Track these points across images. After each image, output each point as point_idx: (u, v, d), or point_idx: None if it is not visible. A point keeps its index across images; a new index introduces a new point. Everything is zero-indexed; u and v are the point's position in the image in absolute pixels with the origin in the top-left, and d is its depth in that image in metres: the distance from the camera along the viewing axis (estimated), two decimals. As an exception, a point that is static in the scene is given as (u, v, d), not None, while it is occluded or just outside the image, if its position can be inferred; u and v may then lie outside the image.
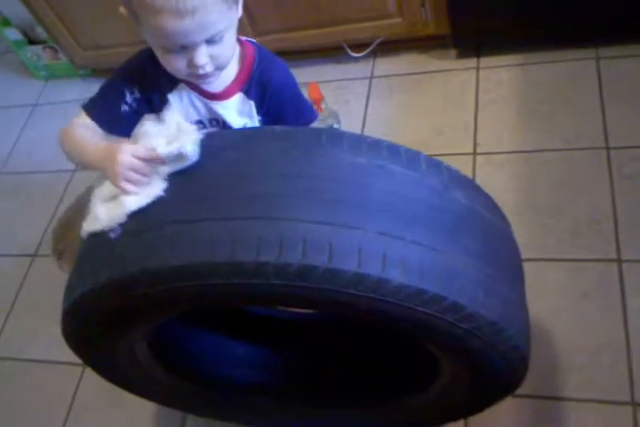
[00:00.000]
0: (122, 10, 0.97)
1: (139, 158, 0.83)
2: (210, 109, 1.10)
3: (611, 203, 1.52)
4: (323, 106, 1.87)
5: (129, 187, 0.83)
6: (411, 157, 0.85)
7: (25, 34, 2.31)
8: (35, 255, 1.90)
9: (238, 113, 1.10)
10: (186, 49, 0.95)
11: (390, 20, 1.93)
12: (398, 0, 1.87)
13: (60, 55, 2.31)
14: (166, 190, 0.82)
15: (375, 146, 0.84)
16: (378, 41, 2.02)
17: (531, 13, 1.80)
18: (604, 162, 1.60)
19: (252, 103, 1.09)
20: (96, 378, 1.56)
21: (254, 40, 1.14)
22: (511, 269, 0.92)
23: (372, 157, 0.82)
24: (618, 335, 1.33)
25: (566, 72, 1.82)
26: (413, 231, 0.78)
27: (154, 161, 0.83)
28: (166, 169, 0.83)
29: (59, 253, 1.48)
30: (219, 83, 1.07)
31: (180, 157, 0.81)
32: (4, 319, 1.78)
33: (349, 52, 2.07)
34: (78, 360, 1.58)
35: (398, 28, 1.95)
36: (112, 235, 0.82)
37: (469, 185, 0.91)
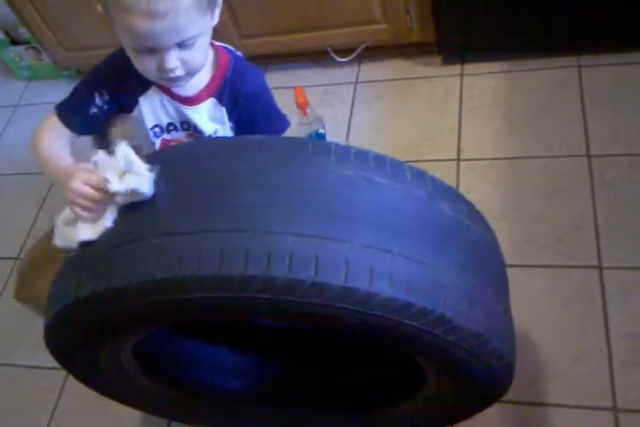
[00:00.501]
0: (99, 7, 0.97)
1: (91, 186, 0.82)
2: (180, 113, 1.10)
3: (592, 209, 1.55)
4: (308, 110, 1.87)
5: (81, 213, 0.82)
6: (396, 168, 0.85)
7: (7, 34, 2.28)
8: (17, 258, 1.88)
9: (209, 118, 1.10)
10: (155, 52, 0.95)
11: (376, 25, 1.94)
12: (383, 6, 1.88)
13: (43, 56, 2.29)
14: (152, 199, 0.81)
15: (361, 157, 0.84)
16: (363, 46, 2.03)
17: (514, 22, 1.83)
18: (586, 169, 1.63)
19: (224, 109, 1.09)
20: (80, 384, 1.56)
21: (230, 47, 1.14)
22: (496, 279, 0.93)
23: (359, 168, 0.82)
24: (599, 342, 1.35)
25: (549, 80, 1.85)
26: (400, 244, 0.78)
27: (104, 192, 0.82)
28: (119, 200, 0.82)
29: (22, 301, 1.38)
30: (191, 87, 1.07)
31: (133, 194, 0.80)
32: (-15, 323, 1.76)
33: (335, 56, 2.08)
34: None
35: (383, 34, 1.96)
36: (72, 254, 0.83)
37: (454, 195, 0.92)
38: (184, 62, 0.97)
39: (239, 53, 1.15)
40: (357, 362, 1.22)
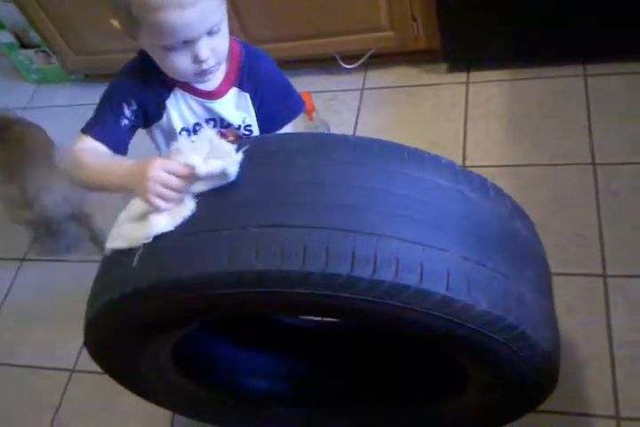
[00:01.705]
0: (114, 22, 0.98)
1: (172, 174, 0.80)
2: (207, 109, 1.10)
3: (597, 218, 1.55)
4: (314, 116, 1.88)
5: (159, 202, 0.80)
6: (481, 183, 0.87)
7: (18, 37, 2.30)
8: (22, 259, 1.90)
9: (236, 108, 1.11)
10: (188, 45, 0.95)
11: (382, 33, 1.96)
12: (390, 14, 1.90)
13: (53, 59, 2.32)
14: (233, 187, 0.79)
15: (451, 169, 0.85)
16: (369, 53, 2.04)
17: (520, 30, 1.84)
18: (591, 178, 1.63)
19: (247, 95, 1.10)
20: (83, 384, 1.57)
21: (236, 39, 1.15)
22: (553, 297, 0.96)
23: (451, 180, 0.83)
24: (602, 349, 1.35)
25: (554, 88, 1.85)
26: (491, 258, 0.80)
27: (188, 178, 0.80)
28: (201, 187, 0.80)
29: None
30: (213, 80, 1.07)
31: (220, 176, 0.79)
32: (-9, 324, 1.77)
33: (341, 63, 2.09)
34: (66, 366, 1.61)
35: (390, 42, 1.98)
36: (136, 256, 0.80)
37: (523, 213, 0.94)
38: (214, 51, 0.98)
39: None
40: (391, 364, 1.23)
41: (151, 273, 0.78)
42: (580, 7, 1.74)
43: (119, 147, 1.02)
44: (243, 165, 0.80)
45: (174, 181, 0.80)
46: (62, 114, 2.28)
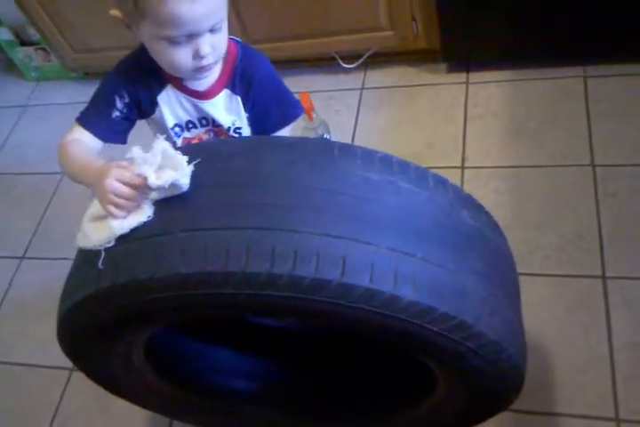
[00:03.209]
0: (114, 12, 0.98)
1: (125, 184, 0.82)
2: (198, 109, 1.11)
3: (596, 219, 1.56)
4: (313, 115, 1.88)
5: (114, 211, 0.82)
6: (419, 175, 0.86)
7: (17, 35, 2.30)
8: (22, 257, 1.90)
9: (226, 110, 1.12)
10: (190, 39, 0.96)
11: (382, 32, 1.96)
12: (390, 13, 1.89)
13: (52, 57, 2.31)
14: (184, 194, 0.81)
15: (386, 162, 0.85)
16: (369, 53, 2.04)
17: (520, 30, 1.84)
18: (590, 179, 1.64)
19: (239, 98, 1.11)
20: (83, 383, 1.56)
21: (237, 38, 1.15)
22: (511, 288, 0.94)
23: (383, 172, 0.83)
24: (602, 351, 1.36)
25: (554, 89, 1.86)
26: (423, 249, 0.79)
27: (141, 188, 0.82)
28: (155, 196, 0.82)
29: None
30: (205, 80, 1.08)
31: (170, 188, 0.80)
32: (-11, 322, 1.77)
33: (341, 62, 2.09)
34: (65, 364, 1.61)
35: (389, 41, 1.98)
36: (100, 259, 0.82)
37: (472, 204, 0.93)
38: (214, 48, 0.99)
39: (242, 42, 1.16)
40: (368, 366, 1.23)
41: (110, 275, 0.81)
42: (580, 8, 1.74)
43: (110, 138, 1.06)
44: (198, 171, 0.82)
45: (127, 191, 0.82)
46: (61, 112, 2.28)
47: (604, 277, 1.46)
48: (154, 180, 0.80)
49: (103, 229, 0.83)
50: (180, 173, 0.80)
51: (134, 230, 0.81)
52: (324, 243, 0.75)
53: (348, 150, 0.85)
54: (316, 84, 2.09)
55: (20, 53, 2.35)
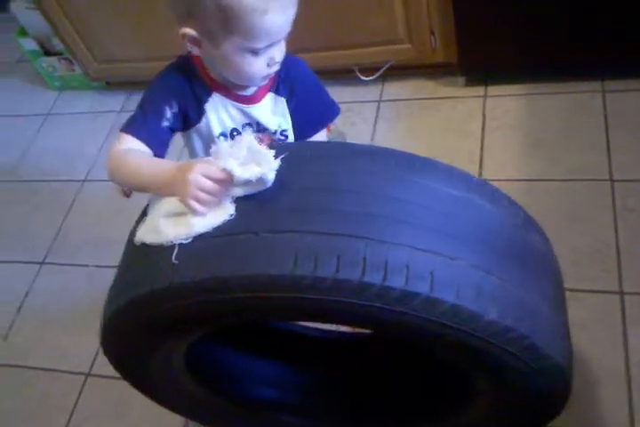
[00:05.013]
0: (186, 31, 0.97)
1: (210, 179, 0.81)
2: (245, 114, 1.11)
3: (613, 235, 1.55)
4: (332, 126, 1.90)
5: (197, 207, 0.81)
6: (495, 194, 0.88)
7: (41, 45, 2.34)
8: (42, 263, 1.92)
9: (272, 113, 1.12)
10: (268, 48, 0.98)
11: (400, 45, 1.97)
12: (408, 26, 1.91)
13: (75, 67, 2.35)
14: (263, 193, 0.80)
15: (465, 179, 0.86)
16: (387, 65, 2.05)
17: (538, 44, 1.84)
18: (608, 194, 1.63)
19: (284, 100, 1.12)
20: (98, 389, 1.59)
21: None
22: (567, 311, 0.96)
23: (464, 189, 0.84)
24: (619, 367, 1.35)
25: (572, 104, 1.86)
26: (504, 268, 0.80)
27: (226, 183, 0.81)
28: (238, 192, 0.81)
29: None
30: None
31: (257, 182, 0.80)
32: (8, 326, 1.79)
33: (359, 75, 2.11)
34: (81, 370, 1.63)
35: (407, 54, 1.99)
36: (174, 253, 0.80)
37: (538, 227, 0.95)
38: (284, 54, 1.02)
39: None
40: (398, 375, 1.23)
41: (189, 271, 0.79)
42: (598, 23, 1.74)
43: (159, 148, 1.03)
44: (281, 171, 0.81)
45: (212, 186, 0.81)
46: (83, 120, 2.32)
47: (621, 293, 1.45)
48: (240, 173, 0.79)
49: (181, 225, 0.81)
50: (266, 166, 0.79)
51: (216, 229, 0.80)
52: (413, 255, 0.75)
53: (431, 164, 0.86)
54: (334, 96, 2.07)
55: (44, 63, 2.39)
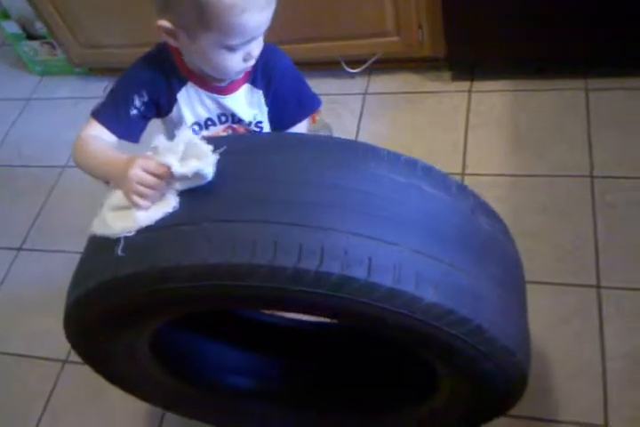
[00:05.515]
0: (163, 23, 0.97)
1: (150, 173, 0.82)
2: (219, 105, 1.11)
3: (592, 230, 1.57)
4: (317, 117, 1.90)
5: (139, 201, 0.82)
6: (442, 179, 0.88)
7: (24, 28, 2.30)
8: (19, 249, 1.90)
9: (248, 104, 1.12)
10: (246, 44, 0.98)
11: (387, 38, 1.97)
12: (396, 19, 1.91)
13: (58, 52, 2.32)
14: (210, 185, 0.80)
15: (411, 165, 0.86)
16: (374, 58, 2.05)
17: (525, 42, 1.86)
18: (588, 190, 1.65)
19: (261, 92, 1.11)
20: (75, 375, 1.57)
21: None
22: (521, 294, 0.96)
23: (409, 175, 0.84)
24: (595, 359, 1.36)
25: (556, 101, 1.87)
26: (446, 252, 0.80)
27: (165, 177, 0.82)
28: (180, 186, 0.82)
29: None
30: None
31: (195, 177, 0.80)
32: (-16, 312, 1.77)
33: (346, 67, 2.11)
34: (58, 356, 1.61)
35: (395, 47, 1.99)
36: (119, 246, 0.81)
37: (489, 210, 0.94)
38: (260, 50, 1.02)
39: None
40: (369, 365, 1.23)
41: (131, 263, 0.80)
42: (583, 22, 1.76)
43: (126, 136, 1.05)
44: (225, 163, 0.82)
45: (152, 181, 0.82)
46: (64, 106, 2.29)
47: (598, 287, 1.47)
48: (177, 168, 0.80)
49: (126, 218, 0.83)
50: (204, 162, 0.80)
51: (159, 221, 0.81)
52: (351, 241, 0.76)
53: (375, 151, 0.86)
54: (320, 88, 2.06)
55: (26, 47, 2.36)
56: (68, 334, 0.97)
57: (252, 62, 1.03)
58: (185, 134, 0.82)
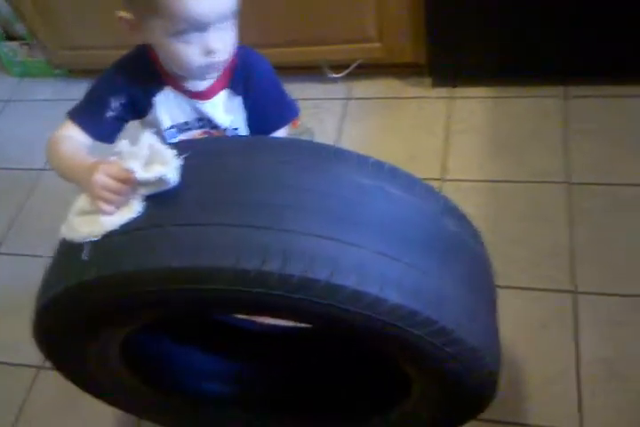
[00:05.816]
0: (123, 14, 0.98)
1: (114, 179, 0.82)
2: (196, 109, 1.11)
3: (569, 236, 1.58)
4: (298, 122, 1.89)
5: (103, 206, 0.82)
6: (409, 182, 0.88)
7: (4, 28, 2.28)
8: (-4, 253, 1.88)
9: (225, 110, 1.11)
10: (201, 36, 0.96)
11: (370, 44, 1.98)
12: (379, 25, 1.92)
13: (36, 53, 2.29)
14: (175, 189, 0.80)
15: (378, 167, 0.86)
16: (356, 63, 2.06)
17: (506, 50, 1.88)
18: (566, 196, 1.67)
19: (240, 98, 1.11)
20: (49, 382, 1.55)
21: None
22: (489, 296, 0.96)
23: (375, 177, 0.84)
24: (570, 365, 1.37)
25: (536, 108, 1.89)
26: (410, 254, 0.80)
27: (129, 182, 0.82)
28: (145, 191, 0.82)
29: None
30: (205, 81, 1.08)
31: (158, 182, 0.80)
32: (-43, 317, 1.73)
33: (328, 72, 2.11)
34: (32, 362, 1.59)
35: (377, 53, 2.00)
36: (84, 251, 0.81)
37: (456, 212, 0.94)
38: (224, 45, 1.00)
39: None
40: (341, 370, 1.23)
41: (95, 268, 0.80)
42: (563, 31, 1.79)
43: (101, 137, 1.05)
44: (190, 167, 0.82)
45: (116, 186, 0.82)
46: (43, 108, 2.27)
47: (575, 293, 1.48)
48: (141, 173, 0.79)
49: (92, 223, 0.82)
50: (167, 167, 0.79)
51: (123, 226, 0.81)
52: (313, 243, 0.76)
53: (341, 154, 0.86)
54: (302, 92, 2.09)
55: (4, 48, 2.33)
56: (38, 340, 0.96)
57: (217, 59, 1.00)
58: (147, 138, 0.82)
